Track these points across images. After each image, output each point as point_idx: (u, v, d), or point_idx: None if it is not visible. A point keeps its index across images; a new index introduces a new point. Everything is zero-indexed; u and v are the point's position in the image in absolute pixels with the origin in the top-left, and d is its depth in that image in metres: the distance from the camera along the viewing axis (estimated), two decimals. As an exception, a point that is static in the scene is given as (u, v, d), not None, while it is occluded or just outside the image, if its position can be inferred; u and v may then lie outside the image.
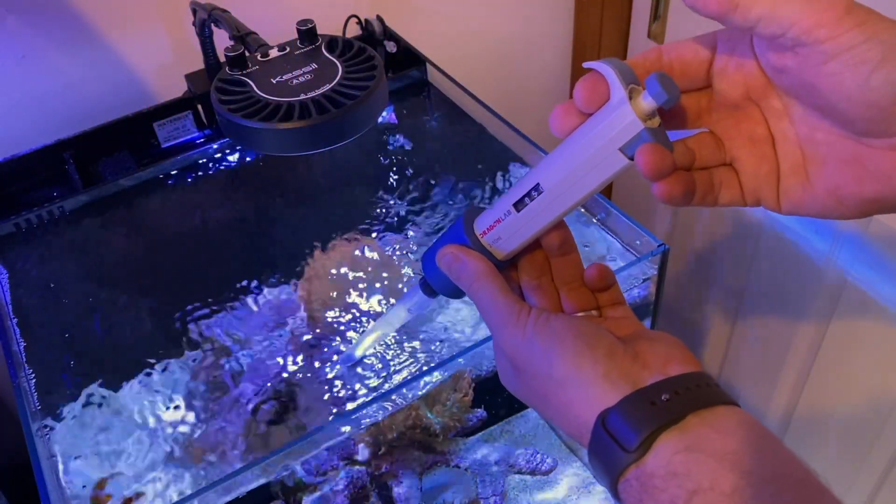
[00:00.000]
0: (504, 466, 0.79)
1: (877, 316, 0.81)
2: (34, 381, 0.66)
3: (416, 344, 0.70)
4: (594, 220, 0.73)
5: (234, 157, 0.87)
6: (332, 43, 0.63)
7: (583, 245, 0.72)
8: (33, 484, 0.54)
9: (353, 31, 0.90)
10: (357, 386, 0.67)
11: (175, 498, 0.60)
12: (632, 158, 0.34)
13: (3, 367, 0.67)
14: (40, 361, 0.68)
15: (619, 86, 0.33)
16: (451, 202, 0.82)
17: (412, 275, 0.75)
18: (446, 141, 0.90)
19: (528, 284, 0.41)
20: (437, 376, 0.62)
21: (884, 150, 0.31)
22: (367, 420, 0.61)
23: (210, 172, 0.86)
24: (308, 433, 0.57)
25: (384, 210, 0.81)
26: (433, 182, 0.84)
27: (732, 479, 0.29)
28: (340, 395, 0.66)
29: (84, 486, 0.61)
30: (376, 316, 0.72)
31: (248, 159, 0.88)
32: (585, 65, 0.34)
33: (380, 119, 0.88)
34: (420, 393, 0.64)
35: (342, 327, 0.71)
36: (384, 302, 0.73)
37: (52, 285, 0.75)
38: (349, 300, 0.73)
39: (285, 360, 0.69)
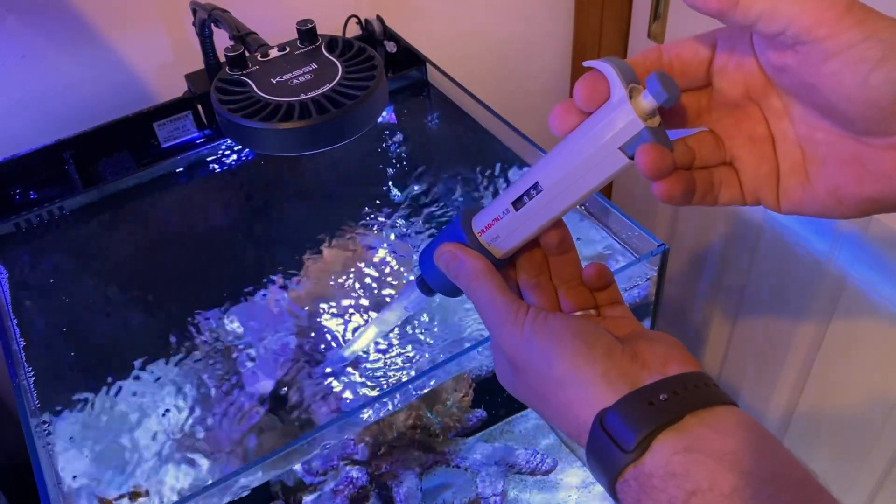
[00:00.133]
0: (504, 466, 0.79)
1: (877, 316, 0.81)
2: (34, 380, 0.66)
3: (416, 344, 0.70)
4: (594, 221, 0.73)
5: (234, 157, 0.87)
6: (332, 43, 0.63)
7: (581, 245, 0.72)
8: (33, 484, 0.54)
9: (353, 31, 0.90)
10: (357, 385, 0.67)
11: (175, 498, 0.60)
12: (632, 158, 0.34)
13: (3, 367, 0.67)
14: (40, 361, 0.68)
15: (620, 84, 0.33)
16: (450, 202, 0.82)
17: (411, 274, 0.75)
18: (446, 141, 0.90)
19: (527, 283, 0.41)
20: (436, 376, 0.62)
21: (884, 149, 0.31)
22: (368, 420, 0.61)
23: (210, 172, 0.86)
24: (308, 433, 0.57)
25: (384, 210, 0.81)
26: (433, 182, 0.84)
27: (731, 479, 0.29)
28: (341, 395, 0.66)
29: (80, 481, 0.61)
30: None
31: (248, 159, 0.88)
32: (586, 63, 0.34)
33: (380, 119, 0.88)
34: (420, 393, 0.64)
35: (342, 327, 0.71)
36: (384, 302, 0.73)
37: (52, 285, 0.75)
38: (349, 300, 0.73)
39: (285, 360, 0.69)
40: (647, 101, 0.33)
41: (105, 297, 0.75)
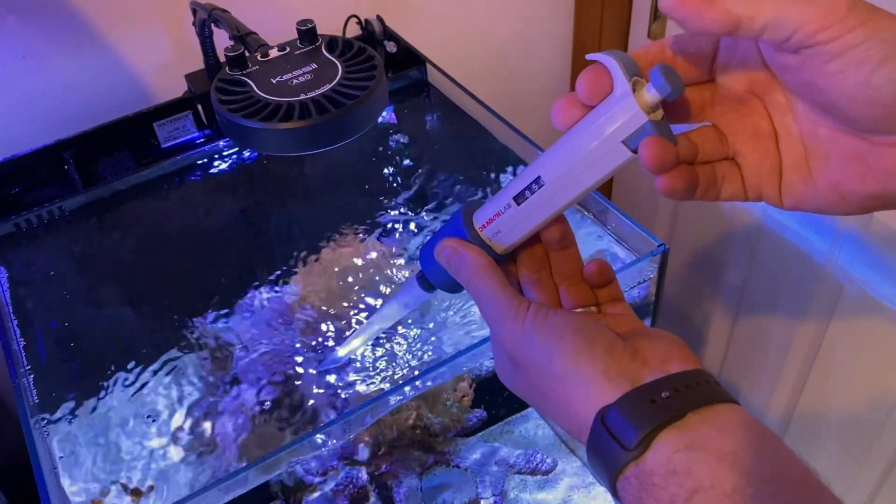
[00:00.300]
0: (504, 466, 0.79)
1: (877, 316, 0.81)
2: (34, 380, 0.66)
3: (417, 343, 0.70)
4: (594, 220, 0.73)
5: (234, 157, 0.87)
6: (332, 43, 0.63)
7: (581, 245, 0.72)
8: (33, 484, 0.54)
9: (353, 31, 0.90)
10: (357, 385, 0.67)
11: (175, 498, 0.60)
12: (635, 152, 0.33)
13: (3, 367, 0.67)
14: (40, 361, 0.68)
15: (623, 78, 0.33)
16: (450, 202, 0.82)
17: (411, 274, 0.75)
18: (446, 141, 0.91)
19: (527, 279, 0.41)
20: (437, 377, 0.62)
21: (887, 146, 0.31)
22: (368, 420, 0.61)
23: (210, 172, 0.86)
24: (308, 433, 0.57)
25: (384, 210, 0.81)
26: (433, 182, 0.84)
27: (733, 478, 0.29)
28: (341, 395, 0.66)
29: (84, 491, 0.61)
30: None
31: (248, 159, 0.88)
32: (589, 56, 0.34)
33: (380, 119, 0.88)
34: (420, 393, 0.64)
35: (342, 327, 0.71)
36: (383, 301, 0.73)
37: (52, 285, 0.75)
38: (349, 300, 0.73)
39: (285, 360, 0.69)
40: (650, 95, 0.32)
41: (105, 297, 0.75)
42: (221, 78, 0.61)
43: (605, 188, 1.25)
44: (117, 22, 0.82)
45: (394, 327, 0.70)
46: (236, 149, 0.87)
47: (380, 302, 0.73)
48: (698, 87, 0.36)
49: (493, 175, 0.82)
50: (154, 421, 0.65)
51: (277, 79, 0.59)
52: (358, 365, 0.68)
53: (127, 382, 0.67)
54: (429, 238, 0.44)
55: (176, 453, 0.64)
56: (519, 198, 0.38)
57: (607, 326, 0.37)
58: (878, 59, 0.28)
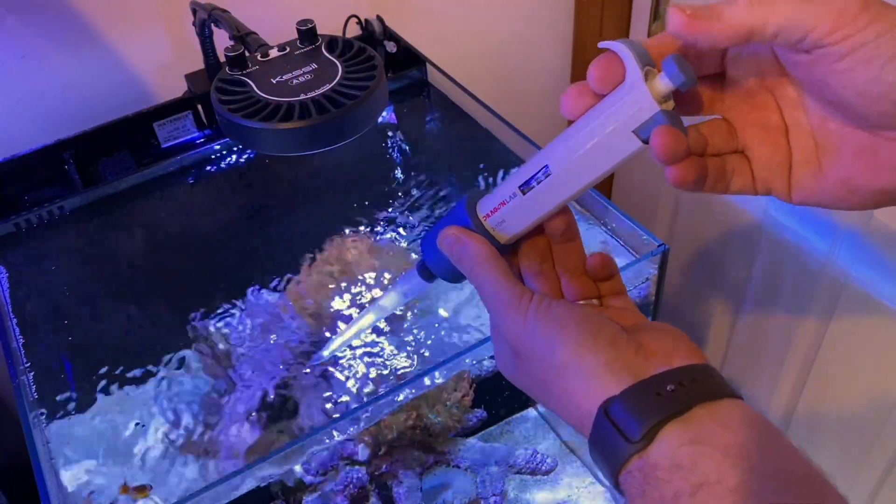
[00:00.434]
0: (504, 466, 0.79)
1: (877, 316, 0.81)
2: (34, 380, 0.66)
3: (417, 343, 0.70)
4: (594, 220, 0.73)
5: (234, 157, 0.87)
6: (332, 43, 0.63)
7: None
8: (33, 484, 0.54)
9: (353, 31, 0.90)
10: (357, 385, 0.67)
11: (175, 498, 0.60)
12: (645, 142, 0.33)
13: (3, 367, 0.67)
14: (40, 361, 0.68)
15: (636, 66, 0.32)
16: (450, 202, 0.82)
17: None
18: (446, 141, 0.91)
19: (530, 270, 0.41)
20: (437, 376, 0.62)
21: None
22: (368, 420, 0.61)
23: (210, 172, 0.86)
24: (308, 433, 0.57)
25: (384, 210, 0.81)
26: (433, 182, 0.84)
27: (738, 473, 0.29)
28: (341, 394, 0.66)
29: (86, 494, 0.61)
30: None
31: (248, 159, 0.88)
32: (601, 44, 0.34)
33: (380, 119, 0.88)
34: (420, 393, 0.64)
35: (342, 327, 0.71)
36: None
37: (52, 285, 0.75)
38: (349, 300, 0.73)
39: (285, 360, 0.69)
40: (663, 84, 0.32)
41: (105, 297, 0.75)
42: (221, 78, 0.61)
43: (605, 188, 1.25)
44: (117, 22, 0.82)
45: (395, 329, 0.70)
46: (236, 149, 0.87)
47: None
48: (708, 80, 0.36)
49: (492, 175, 0.82)
50: (153, 421, 0.65)
51: (277, 79, 0.59)
52: (358, 364, 0.68)
53: (127, 382, 0.67)
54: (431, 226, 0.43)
55: (175, 453, 0.64)
56: (525, 187, 0.38)
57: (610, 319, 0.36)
58: (887, 56, 0.28)
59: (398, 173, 0.86)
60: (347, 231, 0.79)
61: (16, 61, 0.79)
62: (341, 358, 0.69)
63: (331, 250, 0.77)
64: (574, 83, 0.35)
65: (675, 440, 0.31)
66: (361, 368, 0.68)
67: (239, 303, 0.73)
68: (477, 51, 1.08)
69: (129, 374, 0.68)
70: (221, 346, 0.70)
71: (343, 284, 0.75)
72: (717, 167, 0.35)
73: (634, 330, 0.36)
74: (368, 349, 0.70)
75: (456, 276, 0.43)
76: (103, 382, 0.67)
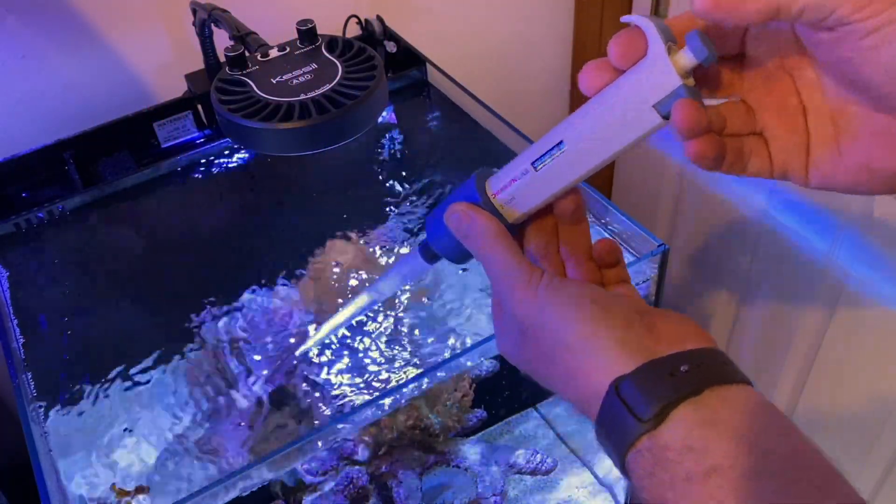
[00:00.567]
0: (504, 466, 0.79)
1: (877, 316, 0.81)
2: (34, 380, 0.66)
3: (417, 343, 0.70)
4: (594, 221, 0.73)
5: (234, 157, 0.87)
6: (332, 43, 0.63)
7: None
8: (33, 484, 0.54)
9: (353, 31, 0.90)
10: (357, 385, 0.67)
11: (175, 498, 0.60)
12: (665, 118, 0.33)
13: (3, 367, 0.67)
14: (40, 361, 0.68)
15: (659, 39, 0.32)
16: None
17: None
18: (446, 141, 0.91)
19: (535, 252, 0.40)
20: (437, 376, 0.62)
21: None
22: (367, 420, 0.61)
23: (210, 172, 0.86)
24: (308, 433, 0.57)
25: (384, 210, 0.81)
26: (433, 182, 0.84)
27: (751, 459, 0.29)
28: (341, 394, 0.66)
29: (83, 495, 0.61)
30: (376, 314, 0.72)
31: (248, 159, 0.88)
32: (623, 19, 0.33)
33: (380, 119, 0.88)
34: (420, 393, 0.64)
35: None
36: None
37: (51, 285, 0.75)
38: (349, 300, 0.73)
39: (286, 360, 0.69)
40: (686, 58, 0.32)
41: (105, 297, 0.75)
42: (221, 78, 0.61)
43: (605, 188, 1.25)
44: (117, 22, 0.82)
45: (395, 329, 0.70)
46: (236, 149, 0.87)
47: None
48: (727, 62, 0.35)
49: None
50: (153, 420, 0.65)
51: (277, 79, 0.59)
52: (358, 364, 0.68)
53: (127, 382, 0.67)
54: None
55: (175, 453, 0.64)
56: (538, 163, 0.37)
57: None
58: None
59: (398, 173, 0.86)
60: (347, 231, 0.79)
61: (16, 61, 0.79)
62: (341, 358, 0.69)
63: (331, 251, 0.77)
64: (594, 60, 0.34)
65: (688, 421, 0.30)
66: (361, 369, 0.68)
67: (239, 303, 0.73)
68: (477, 51, 1.08)
69: (130, 374, 0.68)
70: (221, 345, 0.70)
71: (343, 285, 0.75)
72: (735, 148, 0.35)
73: (645, 314, 0.36)
74: (368, 349, 0.70)
75: (461, 256, 0.42)
76: (103, 382, 0.67)
